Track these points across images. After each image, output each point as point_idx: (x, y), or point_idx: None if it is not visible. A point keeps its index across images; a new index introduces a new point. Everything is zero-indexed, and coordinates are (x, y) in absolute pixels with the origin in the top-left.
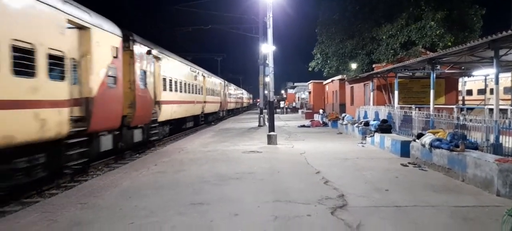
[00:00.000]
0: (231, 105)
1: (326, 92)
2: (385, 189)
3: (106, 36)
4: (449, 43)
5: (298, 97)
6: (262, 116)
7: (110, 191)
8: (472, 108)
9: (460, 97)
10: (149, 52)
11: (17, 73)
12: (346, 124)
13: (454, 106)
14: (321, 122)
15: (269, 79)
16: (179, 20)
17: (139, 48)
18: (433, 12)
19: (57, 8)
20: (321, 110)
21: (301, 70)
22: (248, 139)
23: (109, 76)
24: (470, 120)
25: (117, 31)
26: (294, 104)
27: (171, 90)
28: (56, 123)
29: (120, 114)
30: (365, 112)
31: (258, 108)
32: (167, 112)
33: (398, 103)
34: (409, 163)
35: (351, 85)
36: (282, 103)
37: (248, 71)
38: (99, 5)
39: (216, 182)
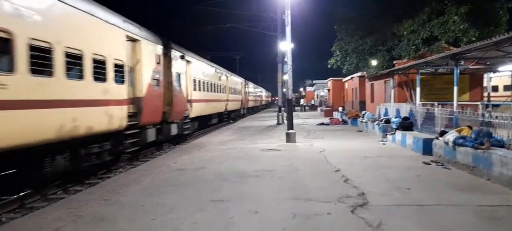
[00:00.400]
0: (250, 103)
1: (346, 89)
2: (407, 188)
3: (151, 46)
4: (474, 38)
5: (317, 95)
6: (280, 113)
7: (132, 188)
8: (497, 105)
9: (485, 94)
10: (182, 57)
11: (96, 79)
12: (366, 122)
13: (479, 103)
14: (340, 120)
15: (287, 77)
16: (199, 19)
17: (175, 54)
18: (456, 7)
19: (120, 27)
20: (340, 108)
21: (320, 67)
22: (267, 136)
23: (153, 79)
24: (496, 117)
25: (159, 41)
26: (312, 102)
27: (199, 90)
28: (119, 117)
29: (161, 111)
30: (386, 109)
31: (277, 106)
32: (196, 110)
33: (420, 100)
34: (431, 161)
35: (371, 82)
36: (301, 101)
37: (266, 69)
38: (123, 6)
39: (236, 179)
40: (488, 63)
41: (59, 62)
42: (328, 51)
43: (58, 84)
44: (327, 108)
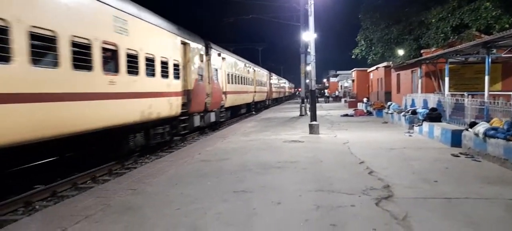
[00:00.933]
0: (274, 95)
1: (371, 80)
2: (434, 180)
3: (197, 47)
4: (507, 25)
5: (341, 85)
6: (303, 105)
7: (158, 178)
8: None
9: None
10: (219, 55)
11: (162, 76)
12: (392, 113)
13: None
14: (365, 111)
15: (310, 67)
16: (222, 10)
17: (213, 52)
18: None
19: (177, 35)
20: (365, 99)
21: (344, 57)
22: (290, 128)
23: (199, 74)
24: None
25: (202, 42)
26: (336, 93)
27: (232, 83)
28: (176, 106)
29: (204, 101)
30: (413, 100)
31: (299, 97)
32: (230, 101)
33: (449, 91)
34: (460, 153)
35: (398, 72)
36: (326, 92)
37: (289, 60)
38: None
39: (259, 170)
40: None
41: (142, 64)
42: (352, 41)
43: (142, 81)
44: (351, 100)
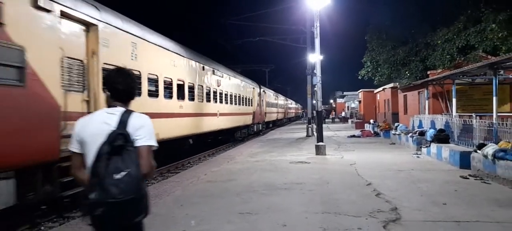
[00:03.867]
0: (289, 115)
1: (377, 101)
2: (443, 203)
3: (257, 88)
4: None
5: (348, 106)
6: (310, 126)
7: (163, 199)
8: None
9: None
10: (264, 91)
11: (246, 104)
12: (399, 134)
13: None
14: (372, 132)
15: (317, 88)
16: (230, 32)
17: (261, 89)
18: (494, 14)
19: (253, 86)
20: (371, 120)
21: (351, 78)
22: (296, 149)
23: (257, 103)
24: None
25: (257, 85)
26: (343, 114)
27: (268, 106)
28: (249, 119)
29: (259, 118)
30: (420, 121)
31: (306, 118)
32: (267, 118)
33: (456, 112)
34: (469, 175)
35: (404, 93)
36: (331, 114)
37: (295, 81)
38: (155, 19)
39: (265, 191)
40: None
41: (240, 100)
42: (359, 62)
43: (237, 107)
44: (358, 120)
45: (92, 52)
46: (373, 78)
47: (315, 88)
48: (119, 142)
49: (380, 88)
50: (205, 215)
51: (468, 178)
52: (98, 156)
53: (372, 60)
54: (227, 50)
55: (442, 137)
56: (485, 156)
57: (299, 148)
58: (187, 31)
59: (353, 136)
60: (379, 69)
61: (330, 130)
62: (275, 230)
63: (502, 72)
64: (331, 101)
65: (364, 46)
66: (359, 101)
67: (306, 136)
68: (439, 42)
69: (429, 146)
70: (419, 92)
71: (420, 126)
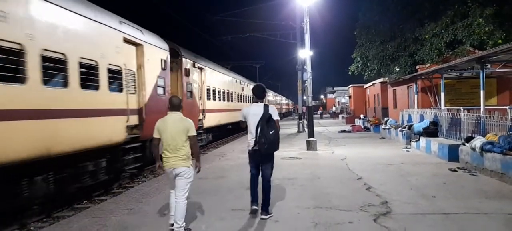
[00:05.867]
0: (282, 110)
1: (367, 96)
2: (432, 196)
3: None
4: (500, 41)
5: (338, 102)
6: (301, 121)
7: (155, 197)
8: None
9: None
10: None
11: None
12: (389, 128)
13: (507, 107)
14: (362, 127)
15: (307, 84)
16: (219, 29)
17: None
18: (481, 9)
19: (281, 95)
20: (362, 115)
21: (341, 74)
22: (288, 144)
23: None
24: None
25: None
26: (333, 109)
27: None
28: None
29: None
30: (409, 115)
31: (297, 114)
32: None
33: (445, 106)
34: (458, 168)
35: (394, 88)
36: (319, 111)
37: (286, 77)
38: (149, 19)
39: None
40: None
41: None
42: (349, 57)
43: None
44: (348, 116)
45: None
46: (363, 73)
47: (305, 84)
48: (267, 116)
49: (370, 84)
50: (197, 212)
51: (456, 171)
52: (259, 124)
53: (362, 56)
54: (216, 46)
55: (431, 130)
56: (473, 149)
57: (290, 144)
58: (176, 28)
59: (344, 131)
60: (368, 64)
61: (321, 125)
62: (268, 226)
63: (489, 66)
64: (322, 97)
65: (354, 41)
66: (349, 97)
67: (297, 131)
68: (427, 37)
69: (419, 139)
70: (408, 87)
71: (410, 120)
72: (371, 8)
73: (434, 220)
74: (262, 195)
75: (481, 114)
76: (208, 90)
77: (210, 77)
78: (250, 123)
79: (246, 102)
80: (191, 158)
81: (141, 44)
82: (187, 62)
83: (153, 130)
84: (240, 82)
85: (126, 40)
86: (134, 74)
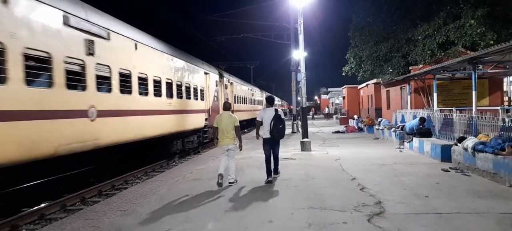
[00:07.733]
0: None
1: (361, 97)
2: (425, 196)
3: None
4: (491, 42)
5: (332, 102)
6: (295, 122)
7: (149, 198)
8: None
9: (505, 98)
10: (231, 83)
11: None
12: (382, 129)
13: (499, 107)
14: (356, 127)
15: (301, 85)
16: (213, 30)
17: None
18: (472, 10)
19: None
20: (355, 116)
21: (335, 74)
22: (282, 145)
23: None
24: None
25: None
26: (327, 110)
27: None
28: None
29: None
30: (403, 116)
31: (291, 115)
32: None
33: (438, 106)
34: (450, 168)
35: (387, 89)
36: (310, 113)
37: (280, 78)
38: (142, 19)
39: (250, 188)
40: (507, 66)
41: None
42: (343, 58)
43: None
44: (342, 116)
45: (207, 85)
46: (356, 74)
47: (299, 85)
48: (278, 116)
49: (364, 84)
50: (191, 213)
51: (449, 171)
52: (273, 122)
53: (356, 57)
54: (211, 47)
55: (424, 131)
56: (465, 149)
57: (284, 144)
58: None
59: (338, 132)
60: (362, 65)
61: (315, 126)
62: (261, 227)
63: (481, 67)
64: (316, 97)
65: (348, 42)
66: (343, 97)
67: (292, 132)
68: (419, 38)
69: (412, 140)
70: (401, 88)
71: (403, 120)
72: (365, 9)
73: (428, 219)
74: (273, 165)
75: (473, 115)
76: (234, 96)
77: (236, 88)
78: (265, 120)
79: (252, 104)
80: (235, 138)
81: (208, 73)
82: (226, 80)
83: (213, 121)
84: (250, 89)
85: (204, 73)
86: (203, 90)
